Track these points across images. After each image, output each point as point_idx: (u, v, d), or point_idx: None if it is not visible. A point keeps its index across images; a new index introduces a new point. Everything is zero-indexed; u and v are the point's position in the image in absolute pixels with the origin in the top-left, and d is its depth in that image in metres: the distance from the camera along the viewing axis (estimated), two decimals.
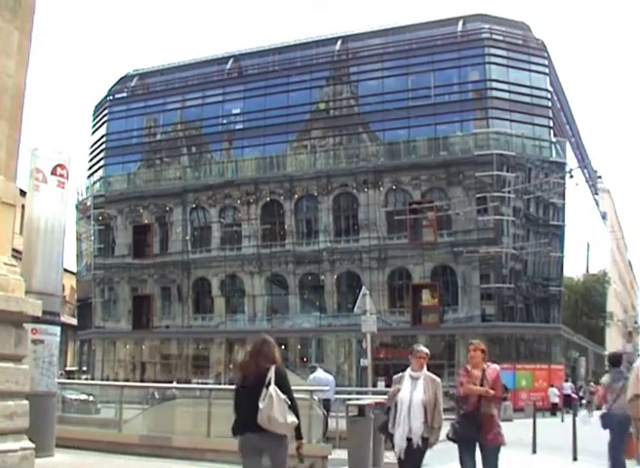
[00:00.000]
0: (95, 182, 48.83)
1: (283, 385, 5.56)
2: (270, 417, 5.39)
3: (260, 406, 5.38)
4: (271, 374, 5.51)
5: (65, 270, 26.26)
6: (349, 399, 12.33)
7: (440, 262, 37.31)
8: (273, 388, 5.46)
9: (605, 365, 58.53)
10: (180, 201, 44.00)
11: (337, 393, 15.98)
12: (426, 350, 6.96)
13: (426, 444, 6.70)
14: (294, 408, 5.58)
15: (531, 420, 14.04)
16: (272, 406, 5.39)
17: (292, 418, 5.50)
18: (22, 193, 8.89)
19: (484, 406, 6.78)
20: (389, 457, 11.13)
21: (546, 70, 40.20)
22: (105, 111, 49.01)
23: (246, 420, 5.48)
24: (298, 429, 5.64)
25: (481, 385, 6.84)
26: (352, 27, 45.36)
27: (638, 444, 8.46)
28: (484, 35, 40.34)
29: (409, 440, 6.58)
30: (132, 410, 12.71)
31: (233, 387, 6.08)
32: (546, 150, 39.15)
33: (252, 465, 5.61)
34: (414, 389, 6.66)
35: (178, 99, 46.54)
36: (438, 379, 6.82)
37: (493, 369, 6.95)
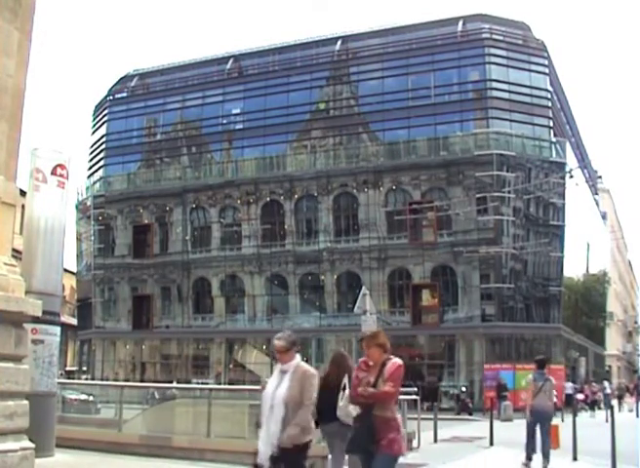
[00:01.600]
0: (95, 182, 48.81)
1: None
2: (346, 414, 7.04)
3: (340, 404, 7.13)
4: (346, 380, 7.24)
5: (65, 270, 26.22)
6: None
7: (440, 262, 37.30)
8: (348, 391, 7.04)
9: (605, 365, 58.87)
10: (180, 201, 44.00)
11: None
12: (282, 342, 5.72)
13: (298, 451, 5.54)
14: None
15: None
16: (347, 404, 7.00)
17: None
18: (22, 193, 8.90)
19: (377, 407, 5.57)
20: None
21: (546, 70, 40.18)
22: (105, 111, 48.99)
23: (328, 414, 7.20)
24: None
25: (375, 382, 5.63)
26: (352, 27, 45.44)
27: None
28: (484, 35, 40.31)
29: (277, 447, 5.46)
30: (132, 410, 12.71)
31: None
32: (546, 150, 39.13)
33: (333, 445, 7.61)
34: (279, 385, 5.65)
35: (178, 99, 46.52)
36: (312, 371, 5.70)
37: (393, 363, 5.68)
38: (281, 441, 5.41)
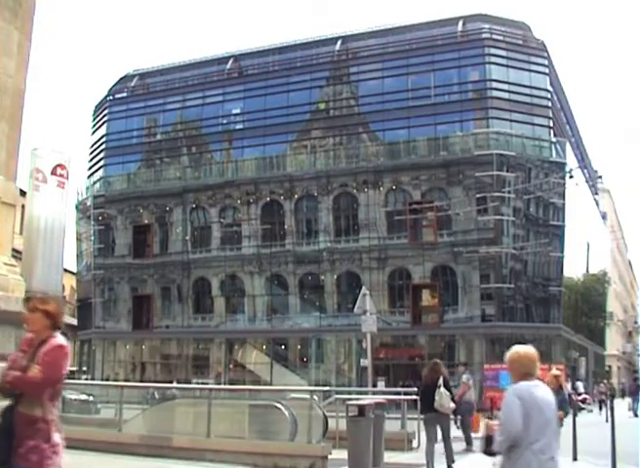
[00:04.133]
0: (95, 182, 48.81)
1: (447, 386, 10.42)
2: (441, 404, 10.29)
3: (436, 398, 10.27)
4: (440, 381, 10.38)
5: (65, 270, 26.25)
6: (349, 399, 12.32)
7: (440, 262, 37.29)
8: (443, 389, 10.34)
9: (605, 365, 58.79)
10: (180, 201, 43.98)
11: (337, 393, 15.94)
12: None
13: None
14: (452, 399, 10.61)
15: None
16: (442, 398, 10.30)
17: (452, 405, 10.56)
18: (22, 193, 8.91)
19: (24, 402, 4.01)
20: (390, 457, 11.16)
21: (546, 70, 40.19)
22: (105, 111, 48.98)
23: (429, 407, 10.43)
24: (454, 410, 11.02)
25: (28, 367, 4.08)
26: (352, 28, 45.43)
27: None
28: (484, 35, 40.31)
29: None
30: (132, 410, 12.69)
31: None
32: (546, 150, 39.13)
33: (431, 431, 10.52)
34: None
35: (178, 99, 46.51)
36: None
37: (51, 343, 4.13)
38: None
